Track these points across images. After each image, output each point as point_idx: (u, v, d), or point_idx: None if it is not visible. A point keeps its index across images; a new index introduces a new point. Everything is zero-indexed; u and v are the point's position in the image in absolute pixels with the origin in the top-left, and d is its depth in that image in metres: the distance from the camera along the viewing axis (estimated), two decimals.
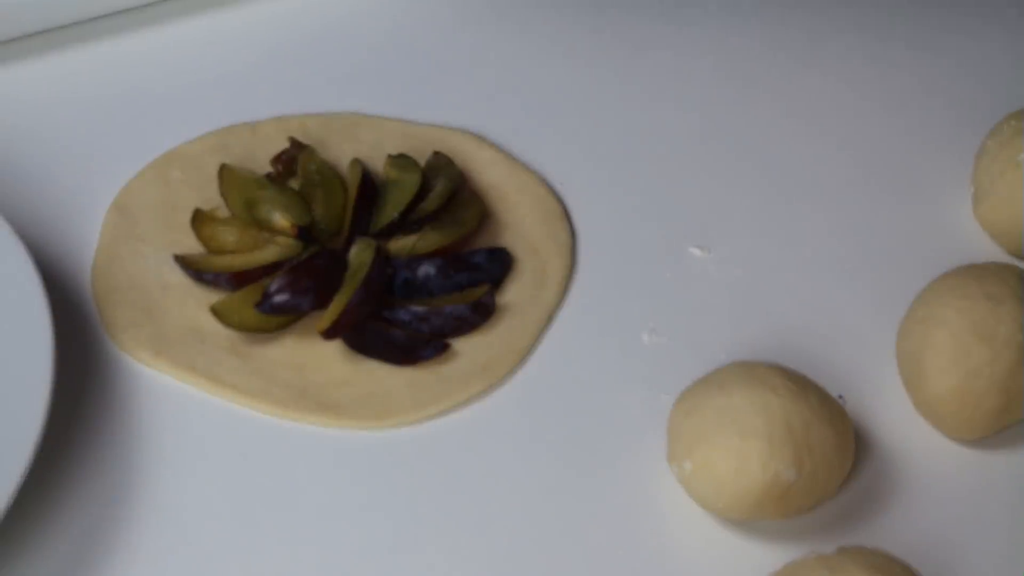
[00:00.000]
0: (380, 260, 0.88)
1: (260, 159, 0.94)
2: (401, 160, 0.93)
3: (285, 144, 0.94)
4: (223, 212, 0.92)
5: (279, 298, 0.86)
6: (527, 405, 0.86)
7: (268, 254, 0.89)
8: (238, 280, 0.88)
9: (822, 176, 0.96)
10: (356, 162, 0.92)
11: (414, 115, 0.98)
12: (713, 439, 0.79)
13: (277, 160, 0.93)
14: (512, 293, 0.90)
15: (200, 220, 0.91)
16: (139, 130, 0.96)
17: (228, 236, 0.90)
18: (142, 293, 0.89)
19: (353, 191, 0.91)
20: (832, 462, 0.80)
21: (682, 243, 0.93)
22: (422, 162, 0.93)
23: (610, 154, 0.97)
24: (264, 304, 0.86)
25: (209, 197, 0.93)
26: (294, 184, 0.92)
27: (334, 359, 0.87)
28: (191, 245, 0.91)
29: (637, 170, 0.96)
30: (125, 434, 0.84)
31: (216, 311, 0.87)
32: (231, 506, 0.82)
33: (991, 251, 0.92)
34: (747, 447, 0.79)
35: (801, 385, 0.81)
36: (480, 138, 0.97)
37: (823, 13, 1.05)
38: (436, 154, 0.94)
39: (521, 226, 0.93)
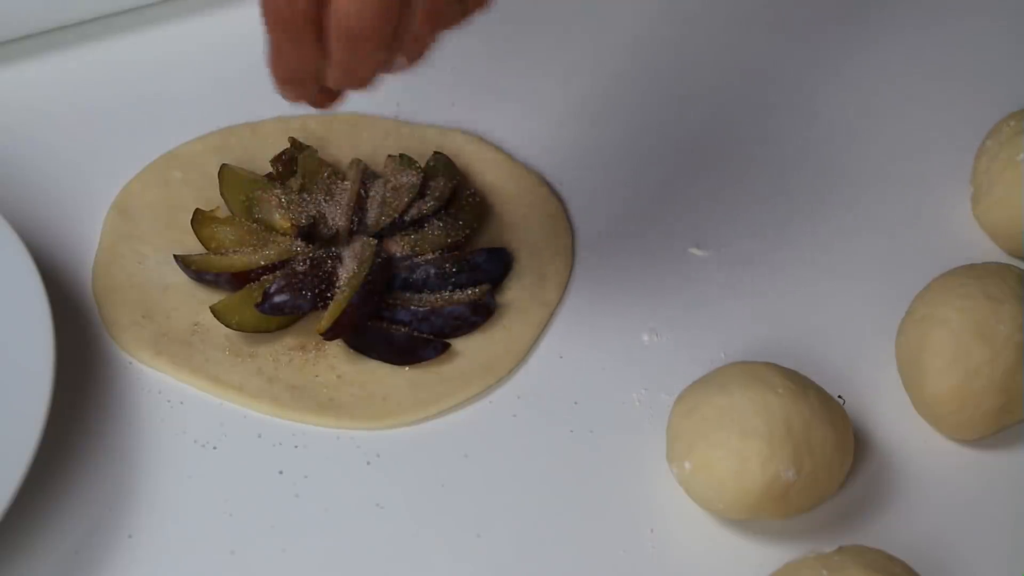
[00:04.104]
0: (380, 260, 0.88)
1: (260, 159, 0.94)
2: (401, 160, 0.93)
3: (285, 144, 0.94)
4: (223, 212, 0.92)
5: (279, 298, 0.86)
6: (527, 405, 0.86)
7: (268, 254, 0.89)
8: (238, 280, 0.88)
9: (822, 176, 0.96)
10: (356, 162, 0.92)
11: (414, 115, 0.98)
12: (713, 439, 0.79)
13: (277, 160, 0.93)
14: (512, 293, 0.90)
15: (200, 220, 0.91)
16: (139, 131, 0.96)
17: (228, 236, 0.90)
18: (142, 293, 0.89)
19: (353, 191, 0.91)
20: (832, 462, 0.80)
21: (682, 243, 0.93)
22: (422, 162, 0.93)
23: (610, 154, 0.97)
24: (264, 304, 0.86)
25: (209, 197, 0.93)
26: (294, 184, 0.92)
27: (334, 359, 0.87)
28: (191, 245, 0.91)
29: (637, 170, 0.96)
30: (125, 434, 0.84)
31: (216, 311, 0.87)
32: (231, 506, 0.82)
33: (991, 251, 0.92)
34: (747, 447, 0.79)
35: (801, 385, 0.81)
36: (480, 138, 0.97)
37: (822, 14, 1.04)
38: (436, 154, 0.94)
39: (521, 226, 0.93)
